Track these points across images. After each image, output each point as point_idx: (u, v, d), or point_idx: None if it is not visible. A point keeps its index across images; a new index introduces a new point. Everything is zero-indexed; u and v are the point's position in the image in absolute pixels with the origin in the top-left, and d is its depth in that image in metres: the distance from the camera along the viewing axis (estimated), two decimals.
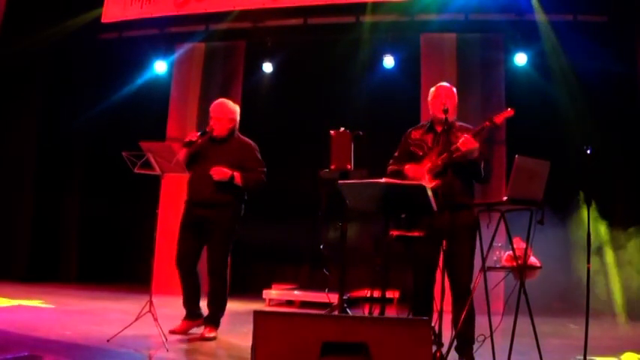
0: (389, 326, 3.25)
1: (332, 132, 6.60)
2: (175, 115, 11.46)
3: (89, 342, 5.98)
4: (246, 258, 11.22)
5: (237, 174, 6.47)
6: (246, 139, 6.88)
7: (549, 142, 9.20)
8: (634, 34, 9.60)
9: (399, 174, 5.46)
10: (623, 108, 9.76)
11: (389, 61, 10.76)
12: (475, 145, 5.17)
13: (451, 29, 10.46)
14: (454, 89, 5.69)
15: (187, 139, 6.60)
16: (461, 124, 5.60)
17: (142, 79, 11.79)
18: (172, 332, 6.51)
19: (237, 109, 6.86)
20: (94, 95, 11.68)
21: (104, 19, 11.14)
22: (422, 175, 5.26)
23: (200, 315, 6.76)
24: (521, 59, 10.40)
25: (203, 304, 6.73)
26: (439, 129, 5.49)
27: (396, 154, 5.73)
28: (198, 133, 6.63)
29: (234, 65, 11.43)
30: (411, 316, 5.47)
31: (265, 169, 6.77)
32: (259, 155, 6.81)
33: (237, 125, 6.83)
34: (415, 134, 5.63)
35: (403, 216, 5.27)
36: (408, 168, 5.43)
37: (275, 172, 10.69)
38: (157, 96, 11.61)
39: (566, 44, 9.84)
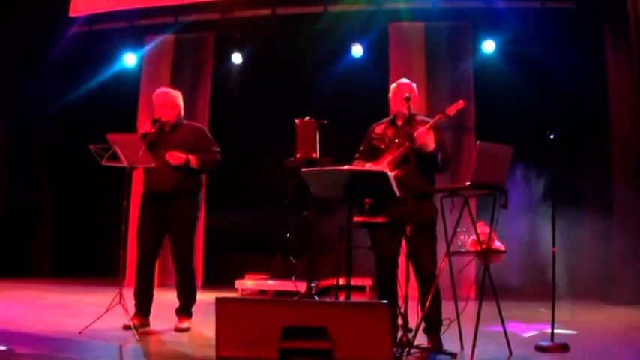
0: (348, 310, 3.32)
1: (297, 121, 6.63)
2: (145, 107, 11.39)
3: (61, 334, 6.02)
4: (218, 249, 11.27)
5: (192, 157, 6.38)
6: (195, 123, 6.93)
7: (518, 129, 9.30)
8: (602, 20, 9.66)
9: None
10: (590, 95, 9.83)
11: (357, 50, 10.77)
12: (429, 138, 5.32)
13: (419, 17, 10.51)
14: (414, 85, 5.83)
15: (142, 132, 6.58)
16: (422, 118, 5.77)
17: (111, 72, 11.71)
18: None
19: (180, 95, 6.78)
20: (64, 89, 11.61)
21: (72, 13, 11.09)
22: (382, 169, 5.34)
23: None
24: (489, 47, 10.44)
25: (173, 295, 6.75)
26: (400, 123, 5.65)
27: (361, 148, 5.93)
28: (150, 124, 6.57)
29: (203, 57, 11.43)
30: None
31: (219, 149, 6.67)
32: (210, 135, 6.77)
33: (182, 111, 6.73)
34: (378, 129, 5.82)
35: (367, 203, 5.33)
36: (369, 167, 5.52)
37: (244, 162, 10.78)
38: (127, 89, 11.56)
39: (534, 31, 9.91)
